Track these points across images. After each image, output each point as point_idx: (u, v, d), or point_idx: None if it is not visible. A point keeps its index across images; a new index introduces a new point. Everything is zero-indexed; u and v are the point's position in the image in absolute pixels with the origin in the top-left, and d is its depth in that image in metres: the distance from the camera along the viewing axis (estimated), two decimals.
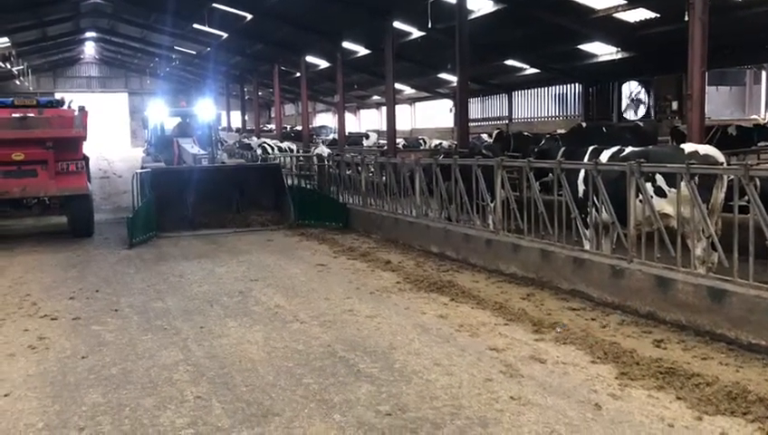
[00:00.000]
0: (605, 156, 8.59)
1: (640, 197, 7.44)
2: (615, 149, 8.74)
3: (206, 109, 18.77)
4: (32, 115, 12.54)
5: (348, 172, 14.84)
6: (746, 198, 6.36)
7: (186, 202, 13.77)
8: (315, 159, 18.93)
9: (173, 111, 19.10)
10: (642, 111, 30.02)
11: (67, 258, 11.29)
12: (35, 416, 5.00)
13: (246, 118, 51.83)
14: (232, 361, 6.08)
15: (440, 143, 31.95)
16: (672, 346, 6.14)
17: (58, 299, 8.49)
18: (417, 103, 49.06)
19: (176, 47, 46.34)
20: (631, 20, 21.26)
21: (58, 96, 15.86)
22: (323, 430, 4.65)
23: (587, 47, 25.90)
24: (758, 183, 6.62)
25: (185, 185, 13.73)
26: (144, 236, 12.34)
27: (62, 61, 61.70)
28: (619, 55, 25.20)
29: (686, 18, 11.24)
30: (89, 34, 51.11)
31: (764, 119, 26.58)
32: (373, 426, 4.70)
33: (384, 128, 29.17)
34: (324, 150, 21.36)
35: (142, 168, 14.99)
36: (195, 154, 15.26)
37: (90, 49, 61.41)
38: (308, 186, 16.99)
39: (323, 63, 35.98)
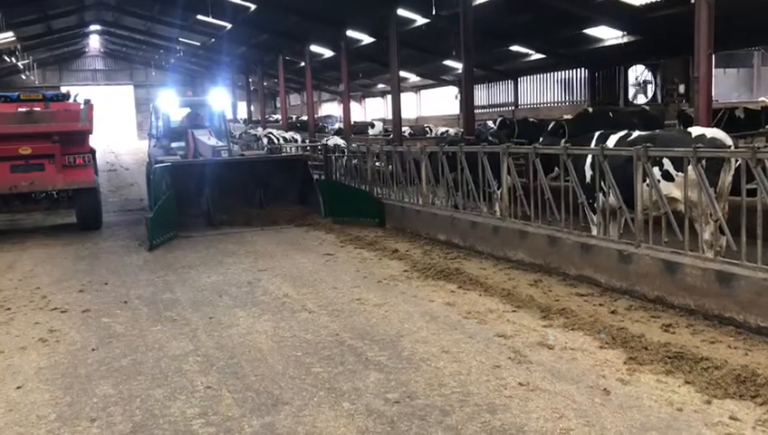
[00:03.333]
0: (612, 141, 8.55)
1: (648, 181, 7.42)
2: (622, 133, 8.70)
3: (220, 98, 17.80)
4: (38, 109, 12.58)
5: (354, 161, 14.80)
6: (755, 181, 6.33)
7: (206, 198, 13.03)
8: (323, 148, 18.82)
9: (185, 100, 18.02)
10: (649, 94, 29.84)
11: (76, 251, 11.35)
12: (47, 408, 5.05)
13: (252, 108, 51.83)
14: (241, 350, 6.12)
15: (446, 131, 31.89)
16: (680, 330, 6.13)
17: (68, 292, 8.55)
18: (423, 91, 48.91)
19: (180, 39, 46.30)
20: (637, 3, 21.09)
21: (64, 90, 15.79)
22: (332, 418, 4.68)
23: (592, 31, 25.74)
24: (766, 165, 6.59)
25: (205, 180, 12.95)
26: (164, 237, 11.50)
27: (67, 54, 61.78)
28: (625, 39, 25.01)
29: (692, 0, 11.14)
30: (93, 27, 51.09)
31: None
32: (382, 413, 4.72)
33: (390, 116, 29.14)
34: (338, 141, 21.20)
35: (157, 161, 13.96)
36: (213, 146, 14.39)
37: (94, 42, 61.44)
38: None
39: (328, 52, 35.90)
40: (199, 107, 17.52)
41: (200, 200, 13.01)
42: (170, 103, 17.26)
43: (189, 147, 15.57)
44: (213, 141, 14.85)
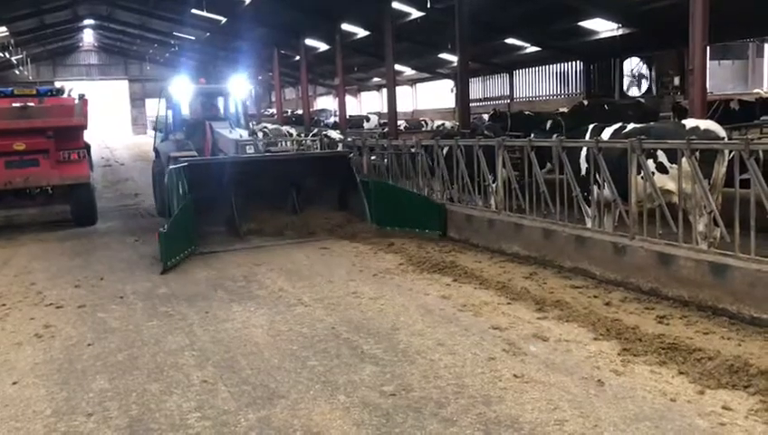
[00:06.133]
0: (607, 133, 8.57)
1: (642, 173, 7.43)
2: (617, 126, 8.72)
3: (240, 86, 15.47)
4: (32, 105, 12.55)
5: (350, 155, 14.74)
6: (748, 172, 6.35)
7: (231, 204, 11.08)
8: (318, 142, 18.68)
9: (200, 88, 15.22)
10: (644, 87, 29.86)
11: (71, 247, 11.33)
12: (43, 403, 5.05)
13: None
14: (237, 344, 6.13)
15: (443, 124, 31.88)
16: (674, 322, 6.16)
17: (63, 287, 8.54)
18: (418, 84, 48.83)
19: (174, 33, 46.17)
20: None
21: (58, 85, 15.74)
22: (328, 412, 4.70)
23: (587, 24, 25.73)
24: (760, 157, 6.61)
25: (229, 181, 10.99)
26: (181, 256, 9.56)
27: (60, 49, 61.49)
28: (620, 31, 25.01)
29: None
30: (87, 22, 50.94)
31: (767, 92, 26.35)
32: (378, 406, 4.74)
33: (385, 110, 29.10)
34: (335, 135, 21.03)
35: (169, 158, 12.01)
36: (237, 140, 12.57)
37: (88, 36, 61.24)
38: None
39: (323, 46, 35.82)
40: (217, 96, 15.32)
41: (223, 205, 11.04)
42: (185, 91, 14.66)
43: (207, 141, 13.64)
44: (236, 135, 13.03)
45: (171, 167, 10.72)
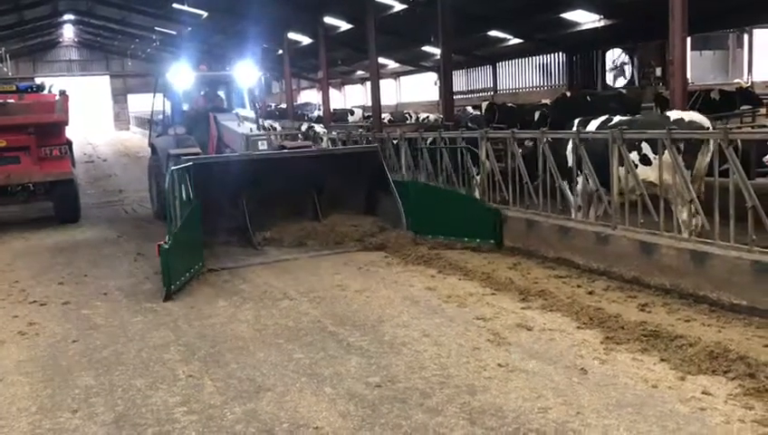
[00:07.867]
0: (593, 125, 8.63)
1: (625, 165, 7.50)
2: (603, 118, 8.77)
3: (248, 72, 13.51)
4: (12, 101, 12.45)
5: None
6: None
7: (242, 209, 9.95)
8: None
9: (203, 76, 13.47)
10: (626, 78, 30.04)
11: (55, 244, 11.26)
12: (28, 400, 5.04)
13: None
14: (223, 339, 6.13)
15: (427, 117, 31.91)
16: (656, 310, 6.24)
17: (47, 284, 8.49)
18: (402, 77, 48.79)
19: (156, 28, 45.78)
20: None
21: (38, 81, 15.52)
22: (314, 403, 4.72)
23: (570, 15, 25.81)
24: (739, 146, 6.69)
25: (240, 183, 9.71)
26: (187, 276, 8.05)
27: (40, 45, 60.77)
28: (602, 23, 25.14)
29: None
30: (67, 17, 50.41)
31: (747, 82, 26.62)
32: (364, 397, 4.77)
33: (369, 103, 29.09)
34: (319, 129, 20.88)
35: (170, 156, 10.81)
36: (247, 135, 11.32)
37: (69, 32, 60.55)
38: None
39: (306, 40, 35.70)
40: (221, 84, 13.81)
41: (232, 211, 9.95)
42: (185, 80, 12.83)
43: (211, 136, 12.30)
44: (245, 128, 11.76)
45: (173, 167, 8.88)
